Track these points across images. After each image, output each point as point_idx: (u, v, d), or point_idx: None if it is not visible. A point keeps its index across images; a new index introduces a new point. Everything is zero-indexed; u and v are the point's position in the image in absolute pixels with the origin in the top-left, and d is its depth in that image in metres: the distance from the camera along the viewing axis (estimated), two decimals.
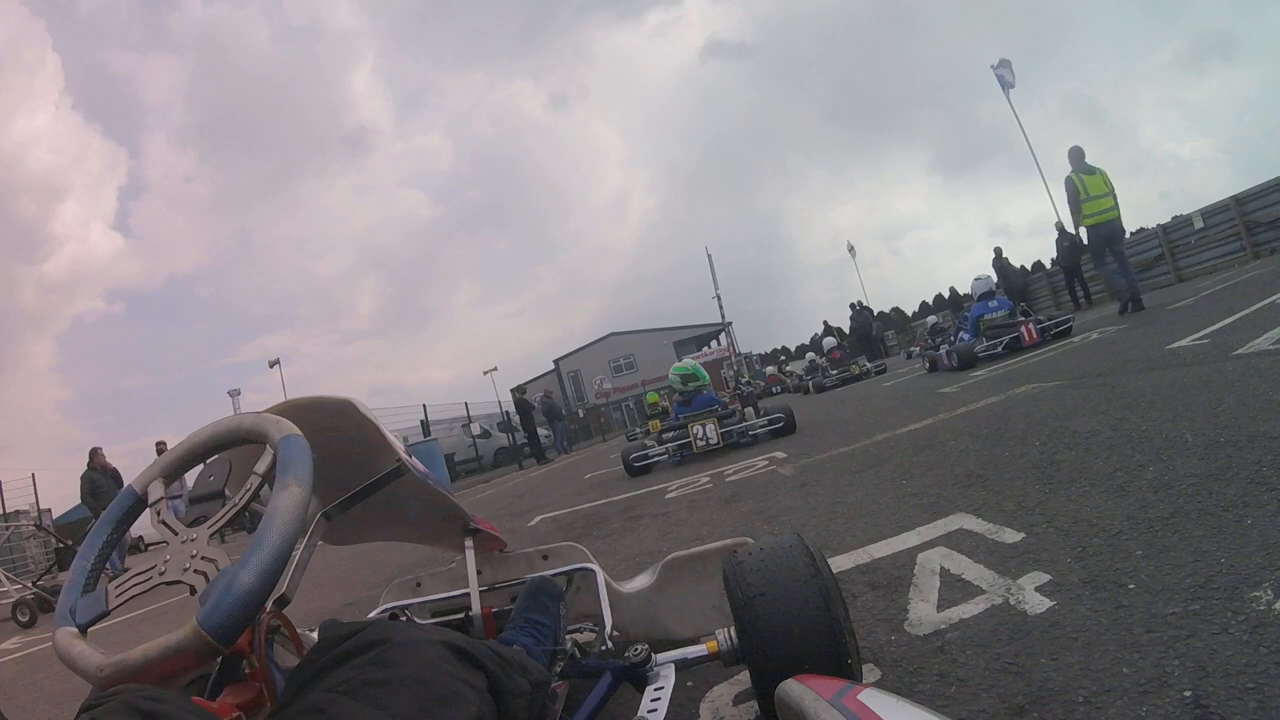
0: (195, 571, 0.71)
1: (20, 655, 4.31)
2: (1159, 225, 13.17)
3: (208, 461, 0.87)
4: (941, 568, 1.49)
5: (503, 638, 1.08)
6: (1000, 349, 6.94)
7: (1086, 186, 7.01)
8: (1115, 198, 7.08)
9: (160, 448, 7.86)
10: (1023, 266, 13.86)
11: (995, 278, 10.96)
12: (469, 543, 1.34)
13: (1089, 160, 7.15)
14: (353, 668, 0.62)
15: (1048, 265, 14.14)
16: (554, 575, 1.40)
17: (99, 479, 7.76)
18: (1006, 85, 15.43)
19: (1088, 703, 0.88)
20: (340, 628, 0.70)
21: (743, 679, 1.20)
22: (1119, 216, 7.13)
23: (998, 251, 13.45)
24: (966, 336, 7.65)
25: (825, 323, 17.81)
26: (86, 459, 7.89)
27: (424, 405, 14.66)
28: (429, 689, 0.62)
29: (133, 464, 8.22)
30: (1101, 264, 7.41)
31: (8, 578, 6.58)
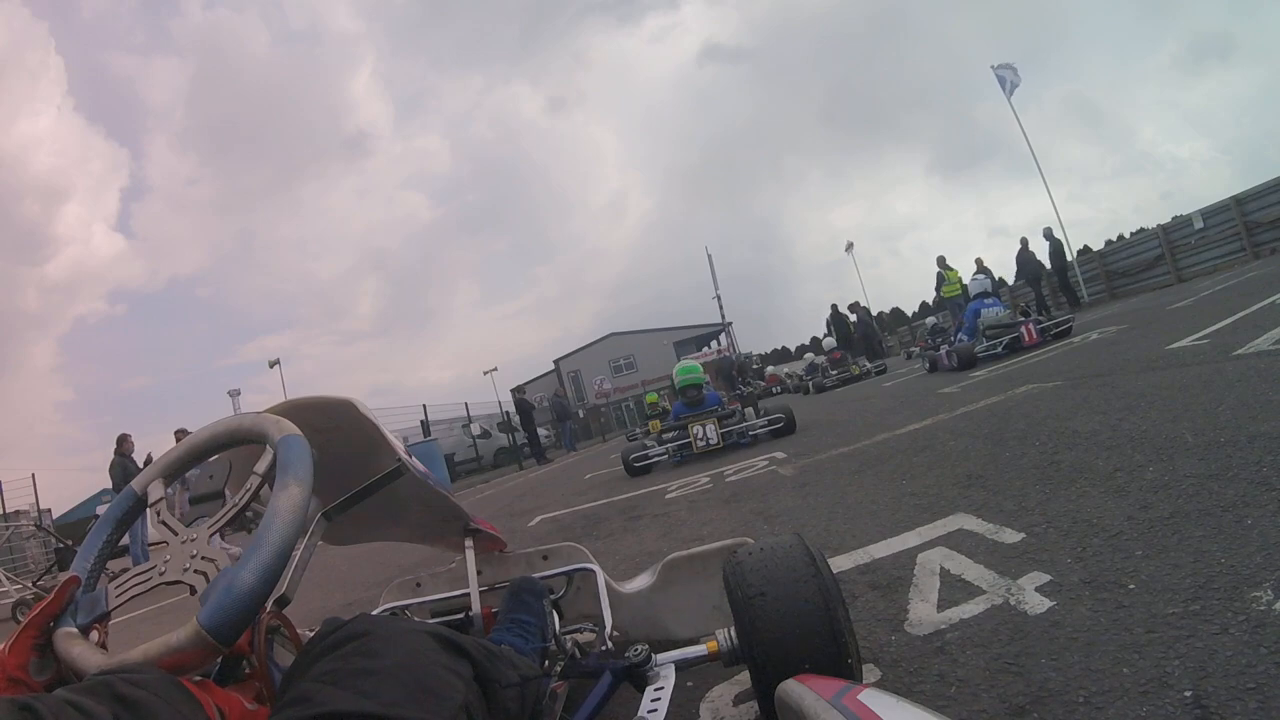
0: (195, 571, 0.71)
1: None
2: (1159, 225, 13.17)
3: (208, 461, 0.87)
4: (941, 568, 1.49)
5: (491, 639, 1.08)
6: (1000, 349, 6.94)
7: (947, 278, 12.85)
8: (961, 284, 12.08)
9: (180, 435, 7.81)
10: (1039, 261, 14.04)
11: (1015, 267, 13.73)
12: (469, 543, 1.34)
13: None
14: (337, 658, 0.62)
15: (1047, 265, 14.22)
16: (554, 575, 1.40)
17: (130, 465, 7.70)
18: (1013, 85, 15.52)
19: (1088, 703, 0.88)
20: (333, 624, 0.69)
21: (743, 679, 1.20)
22: (963, 293, 11.76)
23: (1024, 242, 13.50)
24: (966, 337, 7.66)
25: (834, 306, 17.09)
26: (115, 445, 7.73)
27: (424, 405, 14.68)
28: (415, 677, 0.61)
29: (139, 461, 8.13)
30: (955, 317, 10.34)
31: (8, 578, 6.58)
